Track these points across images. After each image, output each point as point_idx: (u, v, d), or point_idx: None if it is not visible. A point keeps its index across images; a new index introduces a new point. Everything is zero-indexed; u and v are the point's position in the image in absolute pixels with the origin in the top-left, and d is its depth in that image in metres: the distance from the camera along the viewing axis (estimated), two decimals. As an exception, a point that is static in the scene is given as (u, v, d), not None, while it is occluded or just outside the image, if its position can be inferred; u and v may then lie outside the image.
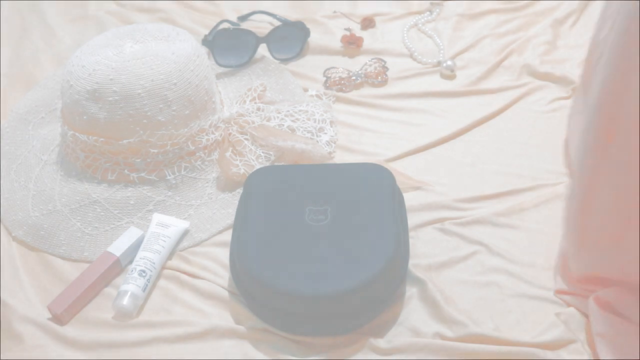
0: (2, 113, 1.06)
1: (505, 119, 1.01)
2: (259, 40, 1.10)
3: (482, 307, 0.77)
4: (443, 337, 0.74)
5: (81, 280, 0.80)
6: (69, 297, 0.78)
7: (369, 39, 1.18)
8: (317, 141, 0.96)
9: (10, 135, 1.02)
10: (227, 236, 0.86)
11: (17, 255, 0.85)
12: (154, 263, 0.81)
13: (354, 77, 1.08)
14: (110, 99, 0.87)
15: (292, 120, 0.99)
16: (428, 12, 1.23)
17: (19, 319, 0.77)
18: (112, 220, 0.88)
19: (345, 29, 1.18)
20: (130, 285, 0.78)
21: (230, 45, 1.10)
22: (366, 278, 0.72)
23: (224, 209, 0.89)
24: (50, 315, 0.78)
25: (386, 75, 1.09)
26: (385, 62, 1.10)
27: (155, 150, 0.89)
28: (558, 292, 0.78)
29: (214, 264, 0.83)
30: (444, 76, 1.09)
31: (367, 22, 1.21)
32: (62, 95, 0.92)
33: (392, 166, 0.92)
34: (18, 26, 1.25)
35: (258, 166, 0.91)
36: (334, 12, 1.24)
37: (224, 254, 0.84)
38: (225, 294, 0.80)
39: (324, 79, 1.09)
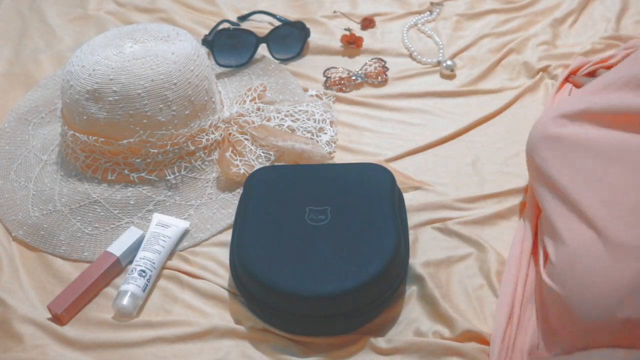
0: (2, 113, 1.06)
1: (505, 118, 1.01)
2: (259, 40, 1.10)
3: (481, 307, 0.77)
4: (442, 337, 0.74)
5: (81, 280, 0.80)
6: (69, 297, 0.78)
7: (368, 39, 1.18)
8: (317, 141, 0.96)
9: (10, 135, 1.02)
10: (227, 236, 0.86)
11: (17, 255, 0.85)
12: (154, 263, 0.81)
13: (354, 77, 1.08)
14: (110, 99, 0.87)
15: (292, 120, 0.99)
16: (428, 12, 1.23)
17: (19, 319, 0.77)
18: (112, 220, 0.88)
19: (345, 29, 1.18)
20: (130, 285, 0.78)
21: (230, 45, 1.10)
22: (366, 278, 0.72)
23: (224, 209, 0.89)
24: (50, 315, 0.78)
25: (386, 75, 1.09)
26: (385, 62, 1.10)
27: (155, 150, 0.89)
28: None
29: (214, 264, 0.83)
30: (444, 76, 1.09)
31: (367, 22, 1.21)
32: (62, 95, 0.93)
33: (392, 166, 0.93)
34: (18, 26, 1.25)
35: (258, 166, 0.91)
36: (334, 12, 1.24)
37: (224, 254, 0.84)
38: (225, 294, 0.80)
39: (324, 79, 1.09)
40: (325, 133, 0.98)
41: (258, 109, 0.99)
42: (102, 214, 0.88)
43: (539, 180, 0.79)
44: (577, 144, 0.77)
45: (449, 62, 1.09)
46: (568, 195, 0.73)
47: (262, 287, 0.73)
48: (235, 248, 0.78)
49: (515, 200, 0.88)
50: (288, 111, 1.00)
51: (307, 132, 0.98)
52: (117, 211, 0.88)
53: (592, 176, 0.73)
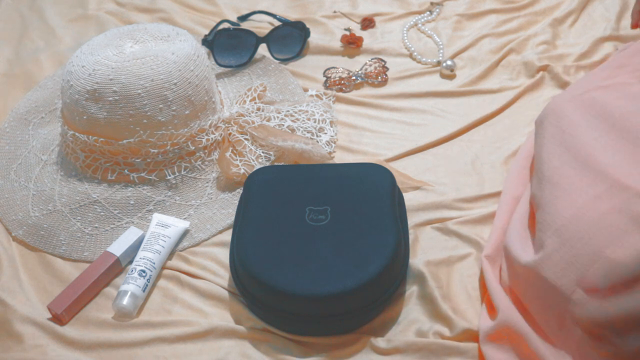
0: (2, 113, 1.06)
1: (504, 118, 1.01)
2: (259, 40, 1.10)
3: (482, 306, 0.77)
4: (442, 336, 0.74)
5: (81, 280, 0.80)
6: (69, 297, 0.78)
7: (368, 39, 1.18)
8: (317, 141, 0.96)
9: (10, 135, 1.02)
10: (227, 236, 0.86)
11: (17, 255, 0.86)
12: (154, 263, 0.81)
13: (354, 77, 1.08)
14: (110, 99, 0.87)
15: (292, 120, 0.99)
16: (428, 12, 1.23)
17: (19, 319, 0.77)
18: (112, 220, 0.88)
19: (345, 29, 1.18)
20: (130, 285, 0.78)
21: (230, 45, 1.10)
22: (366, 278, 0.72)
23: (224, 209, 0.89)
24: (50, 315, 0.78)
25: (386, 75, 1.09)
26: (385, 62, 1.10)
27: (155, 150, 0.89)
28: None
29: (214, 264, 0.83)
30: (444, 76, 1.09)
31: (367, 22, 1.21)
32: (62, 95, 0.93)
33: (392, 166, 0.93)
34: (18, 26, 1.25)
35: (258, 166, 0.92)
36: (334, 12, 1.24)
37: (224, 254, 0.84)
38: (225, 294, 0.80)
39: (324, 79, 1.09)
40: (325, 133, 0.98)
41: (258, 109, 0.99)
42: (102, 214, 0.88)
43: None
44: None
45: (449, 62, 1.09)
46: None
47: (262, 287, 0.73)
48: (235, 248, 0.78)
49: (515, 200, 0.88)
50: (288, 111, 1.00)
51: (307, 132, 0.98)
52: (117, 211, 0.88)
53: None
